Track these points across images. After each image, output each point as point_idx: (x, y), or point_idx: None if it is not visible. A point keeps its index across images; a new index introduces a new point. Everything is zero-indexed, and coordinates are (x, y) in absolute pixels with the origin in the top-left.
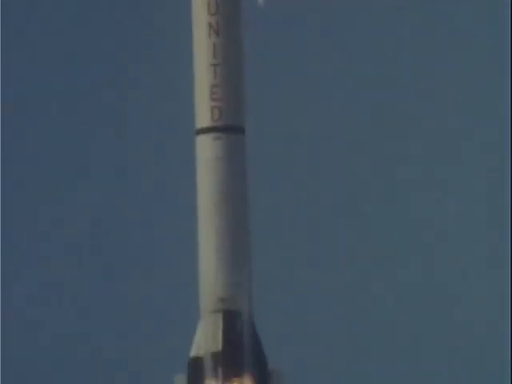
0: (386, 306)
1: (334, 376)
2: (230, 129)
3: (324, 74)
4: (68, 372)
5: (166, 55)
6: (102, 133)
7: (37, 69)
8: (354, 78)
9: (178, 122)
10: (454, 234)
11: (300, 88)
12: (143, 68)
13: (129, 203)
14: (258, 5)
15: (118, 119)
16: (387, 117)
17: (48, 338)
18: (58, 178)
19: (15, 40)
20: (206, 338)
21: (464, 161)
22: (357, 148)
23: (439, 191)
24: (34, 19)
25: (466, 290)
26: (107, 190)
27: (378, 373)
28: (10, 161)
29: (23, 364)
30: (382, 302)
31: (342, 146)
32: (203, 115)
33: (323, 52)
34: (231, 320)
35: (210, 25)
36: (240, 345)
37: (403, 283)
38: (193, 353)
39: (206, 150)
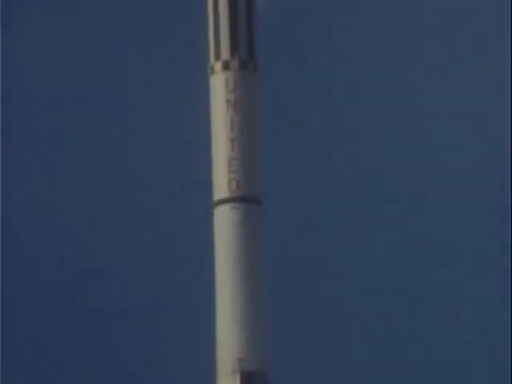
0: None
1: None
2: (247, 199)
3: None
4: None
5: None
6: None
7: None
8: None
9: (195, 192)
10: None
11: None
12: (164, 138)
13: (153, 266)
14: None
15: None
16: None
17: None
18: None
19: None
20: None
21: None
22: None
23: None
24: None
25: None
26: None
27: None
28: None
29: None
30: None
31: (357, 204)
32: (221, 187)
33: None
34: (248, 380)
35: (228, 101)
36: None
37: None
38: None
39: (224, 219)
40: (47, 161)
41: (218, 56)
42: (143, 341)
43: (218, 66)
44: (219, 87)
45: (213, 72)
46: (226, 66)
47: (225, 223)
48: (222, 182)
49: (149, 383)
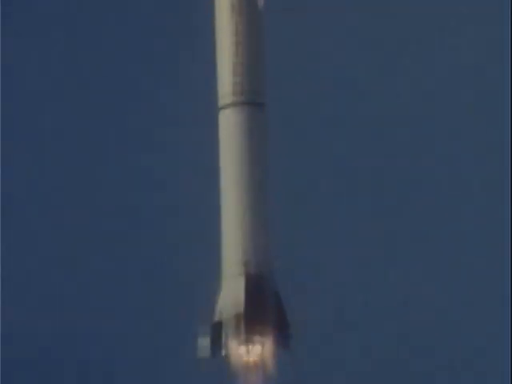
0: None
1: (355, 333)
2: (251, 102)
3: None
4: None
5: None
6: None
7: None
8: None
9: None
10: None
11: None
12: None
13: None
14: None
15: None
16: None
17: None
18: None
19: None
20: (229, 301)
21: None
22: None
23: None
24: None
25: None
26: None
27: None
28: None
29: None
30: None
31: (362, 121)
32: (226, 91)
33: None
34: (253, 282)
35: (232, 6)
36: (262, 306)
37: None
38: (216, 315)
39: (229, 121)
40: (47, 161)
41: None
42: (151, 243)
43: None
44: None
45: None
46: None
47: (230, 124)
48: (226, 86)
49: (154, 285)
